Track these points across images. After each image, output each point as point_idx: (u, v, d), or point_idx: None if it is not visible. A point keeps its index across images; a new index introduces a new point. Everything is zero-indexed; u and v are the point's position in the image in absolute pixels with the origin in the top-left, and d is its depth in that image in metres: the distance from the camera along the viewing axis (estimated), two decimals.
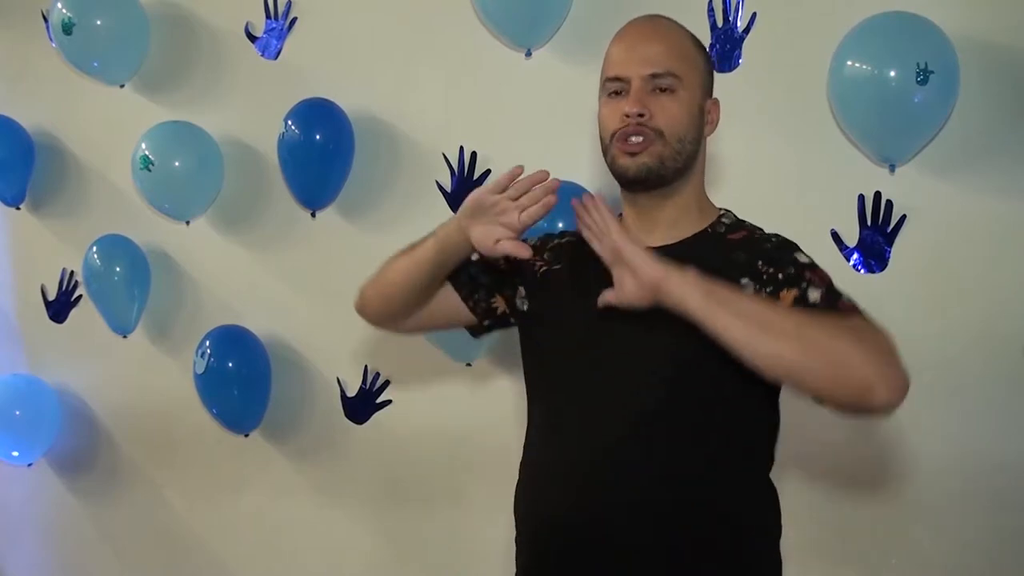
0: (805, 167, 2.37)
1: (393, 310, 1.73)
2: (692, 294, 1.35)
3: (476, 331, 1.82)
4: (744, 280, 1.48)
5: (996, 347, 2.23)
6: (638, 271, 1.39)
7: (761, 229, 1.60)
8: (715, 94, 1.64)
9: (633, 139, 1.51)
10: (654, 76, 1.52)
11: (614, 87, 1.55)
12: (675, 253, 1.52)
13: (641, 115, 1.50)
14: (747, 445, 1.56)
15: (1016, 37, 2.19)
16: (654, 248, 1.53)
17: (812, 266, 1.49)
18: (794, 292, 1.44)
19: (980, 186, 2.23)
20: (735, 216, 1.63)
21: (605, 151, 1.58)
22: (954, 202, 2.26)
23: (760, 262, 1.49)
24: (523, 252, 1.53)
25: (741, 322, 1.33)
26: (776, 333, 1.32)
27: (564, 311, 1.61)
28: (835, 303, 1.42)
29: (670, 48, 1.54)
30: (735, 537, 1.53)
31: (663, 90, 1.52)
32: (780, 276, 1.47)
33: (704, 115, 1.58)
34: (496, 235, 1.54)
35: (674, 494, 1.48)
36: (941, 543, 2.30)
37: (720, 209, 1.64)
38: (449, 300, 1.74)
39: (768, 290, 1.47)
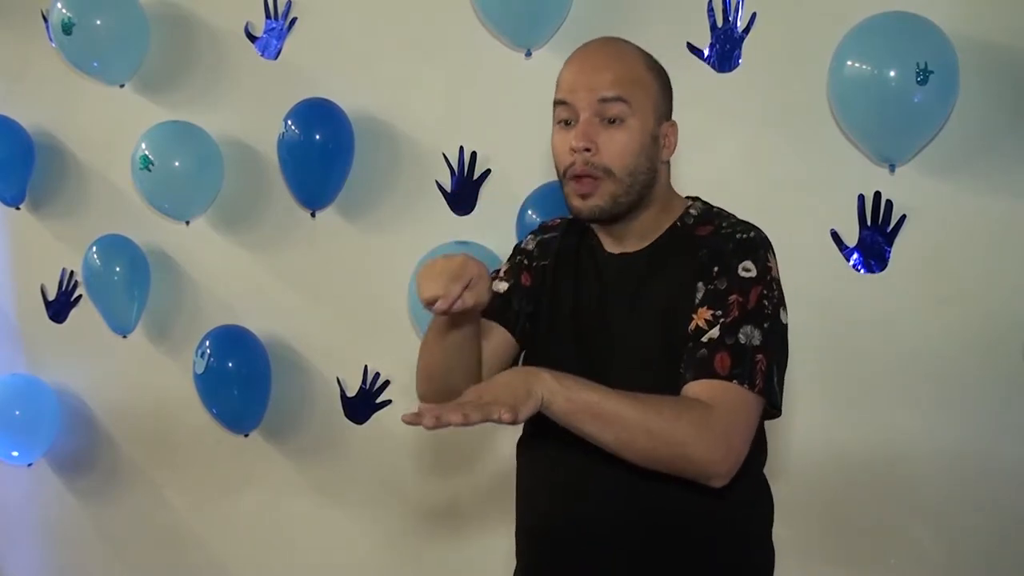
0: (805, 167, 2.37)
1: (453, 387, 1.58)
2: (554, 399, 1.34)
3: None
4: (699, 284, 1.48)
5: (995, 347, 2.23)
6: (512, 396, 1.33)
7: (730, 218, 1.57)
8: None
9: (583, 180, 1.49)
10: (602, 100, 1.47)
11: (563, 115, 1.51)
12: (644, 258, 1.54)
13: (588, 149, 1.47)
14: None
15: (1016, 37, 2.19)
16: (627, 253, 1.56)
17: (747, 283, 1.46)
18: (707, 315, 1.45)
19: (980, 186, 2.23)
20: (704, 205, 1.60)
21: (561, 183, 1.54)
22: (954, 202, 2.26)
23: (716, 268, 1.48)
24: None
25: (592, 419, 1.35)
26: (621, 426, 1.35)
27: (554, 309, 1.61)
28: (711, 359, 1.41)
29: (620, 74, 1.49)
30: (728, 533, 1.53)
31: (612, 121, 1.48)
32: (713, 286, 1.47)
33: (659, 140, 1.53)
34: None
35: (666, 493, 1.48)
36: (940, 543, 2.30)
37: (688, 200, 1.61)
38: (501, 339, 1.66)
39: (699, 297, 1.47)
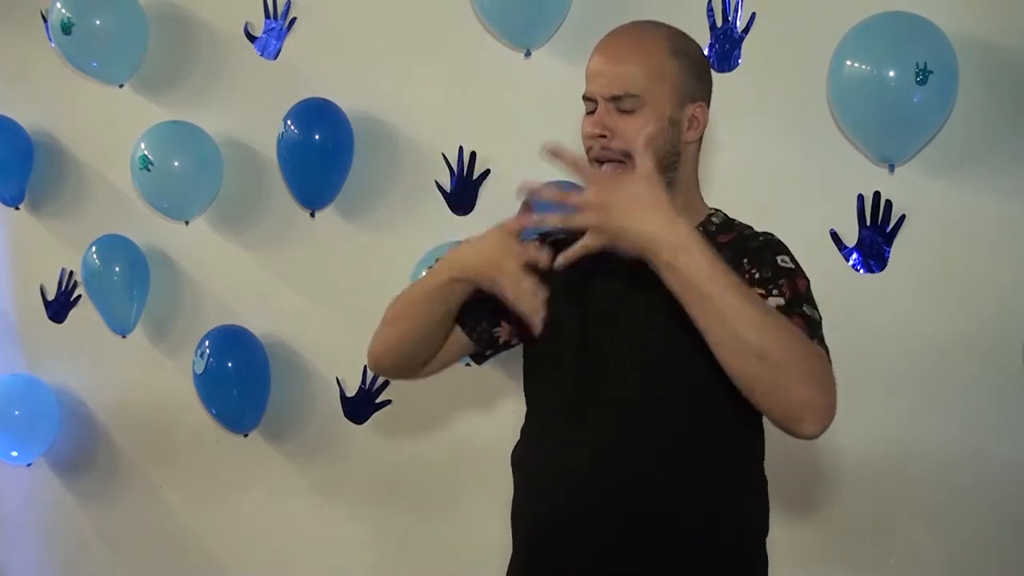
0: (805, 167, 2.37)
1: (411, 363, 1.71)
2: (703, 261, 1.29)
3: (478, 359, 1.81)
4: None
5: (995, 347, 2.23)
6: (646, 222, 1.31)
7: (751, 227, 1.60)
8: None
9: (605, 167, 1.53)
10: (614, 98, 1.52)
11: (588, 106, 1.57)
12: None
13: (603, 136, 1.52)
14: (736, 444, 1.57)
15: (1016, 37, 2.19)
16: None
17: (790, 272, 1.47)
18: (759, 292, 1.43)
19: (980, 186, 2.23)
20: (725, 216, 1.63)
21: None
22: (953, 202, 2.26)
23: (745, 260, 1.49)
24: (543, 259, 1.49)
25: (737, 296, 1.29)
26: (760, 320, 1.29)
27: (558, 311, 1.61)
28: (789, 318, 1.39)
29: (636, 67, 1.52)
30: (725, 534, 1.53)
31: (625, 110, 1.52)
32: (756, 275, 1.47)
33: (681, 123, 1.55)
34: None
35: (665, 493, 1.49)
36: (941, 543, 2.30)
37: (711, 208, 1.64)
38: (458, 338, 1.71)
39: None
